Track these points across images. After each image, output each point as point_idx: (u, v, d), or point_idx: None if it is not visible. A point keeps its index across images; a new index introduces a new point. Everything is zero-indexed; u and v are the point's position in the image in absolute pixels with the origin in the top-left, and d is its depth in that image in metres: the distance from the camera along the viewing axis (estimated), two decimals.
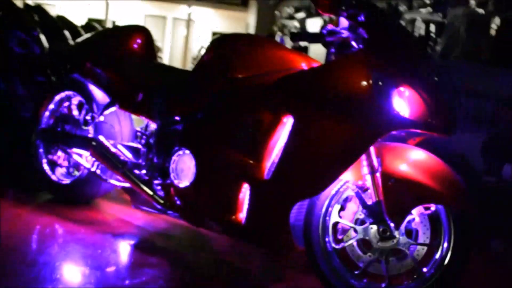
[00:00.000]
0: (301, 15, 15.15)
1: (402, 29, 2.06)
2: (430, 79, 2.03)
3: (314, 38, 2.12)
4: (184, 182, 2.40)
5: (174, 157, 2.42)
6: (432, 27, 6.69)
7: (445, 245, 2.10)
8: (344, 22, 2.14)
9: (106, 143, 2.71)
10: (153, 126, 2.64)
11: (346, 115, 2.01)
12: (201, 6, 23.74)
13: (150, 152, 2.59)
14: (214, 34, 24.74)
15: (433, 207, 2.12)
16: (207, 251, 2.67)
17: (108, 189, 3.02)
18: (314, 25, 14.72)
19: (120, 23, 21.16)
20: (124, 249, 2.55)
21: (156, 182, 2.53)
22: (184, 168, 2.40)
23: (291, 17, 16.82)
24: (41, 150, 3.09)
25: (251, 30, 21.94)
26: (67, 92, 3.05)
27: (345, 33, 2.11)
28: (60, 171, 3.08)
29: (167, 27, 23.85)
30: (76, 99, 3.06)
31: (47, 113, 3.11)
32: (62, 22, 6.53)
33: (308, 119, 2.07)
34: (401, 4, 7.73)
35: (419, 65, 2.04)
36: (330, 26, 2.13)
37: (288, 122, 2.14)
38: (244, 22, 23.51)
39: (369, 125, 1.99)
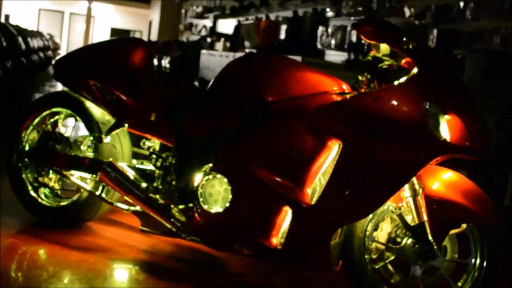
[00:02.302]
0: (213, 15, 15.10)
1: (443, 57, 2.15)
2: (472, 104, 2.14)
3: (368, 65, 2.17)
4: (214, 206, 2.34)
5: (203, 181, 2.35)
6: None
7: (478, 261, 2.23)
8: (385, 49, 2.20)
9: (119, 166, 2.56)
10: (167, 147, 2.54)
11: (398, 141, 2.07)
12: (102, 2, 22.92)
13: (168, 175, 2.49)
14: (113, 30, 23.99)
15: (464, 225, 2.24)
16: (224, 273, 2.62)
17: (103, 211, 2.87)
18: (226, 25, 14.75)
19: (14, 16, 19.94)
20: (139, 276, 2.44)
21: (177, 206, 2.44)
22: (213, 192, 2.34)
23: (200, 16, 16.74)
24: (25, 173, 2.85)
25: (155, 28, 21.52)
26: (54, 109, 2.84)
27: (389, 60, 2.17)
28: (46, 193, 2.87)
29: (64, 22, 22.79)
30: (65, 117, 2.87)
31: (29, 132, 2.88)
32: None
33: (359, 144, 2.10)
34: (330, 9, 7.93)
35: (463, 92, 2.14)
36: (372, 53, 2.18)
37: (334, 147, 2.15)
38: (146, 19, 23.00)
39: (420, 151, 2.07)
